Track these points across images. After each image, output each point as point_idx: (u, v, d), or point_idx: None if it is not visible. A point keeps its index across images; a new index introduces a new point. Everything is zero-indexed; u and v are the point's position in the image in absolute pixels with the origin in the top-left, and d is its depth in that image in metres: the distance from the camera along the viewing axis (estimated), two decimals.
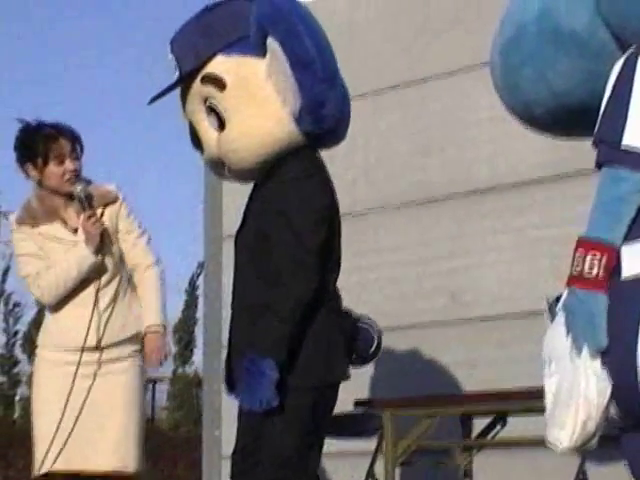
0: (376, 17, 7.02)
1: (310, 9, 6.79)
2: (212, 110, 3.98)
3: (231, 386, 4.13)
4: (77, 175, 5.03)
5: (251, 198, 4.13)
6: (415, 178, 6.78)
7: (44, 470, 4.93)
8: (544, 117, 3.18)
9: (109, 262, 5.06)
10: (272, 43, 3.85)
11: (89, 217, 4.96)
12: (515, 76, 3.14)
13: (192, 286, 16.52)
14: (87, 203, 4.98)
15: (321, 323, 3.93)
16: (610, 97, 2.77)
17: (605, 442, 2.77)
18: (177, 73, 3.99)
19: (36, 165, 5.03)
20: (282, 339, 3.78)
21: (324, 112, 3.91)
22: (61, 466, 4.92)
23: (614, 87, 2.77)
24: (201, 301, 13.45)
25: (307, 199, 3.90)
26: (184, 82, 4.02)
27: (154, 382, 20.78)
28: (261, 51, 3.92)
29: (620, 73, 2.77)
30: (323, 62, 3.90)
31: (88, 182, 5.09)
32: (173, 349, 19.36)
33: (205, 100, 3.99)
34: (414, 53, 6.76)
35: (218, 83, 3.94)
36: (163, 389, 19.64)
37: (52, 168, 5.00)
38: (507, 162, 6.36)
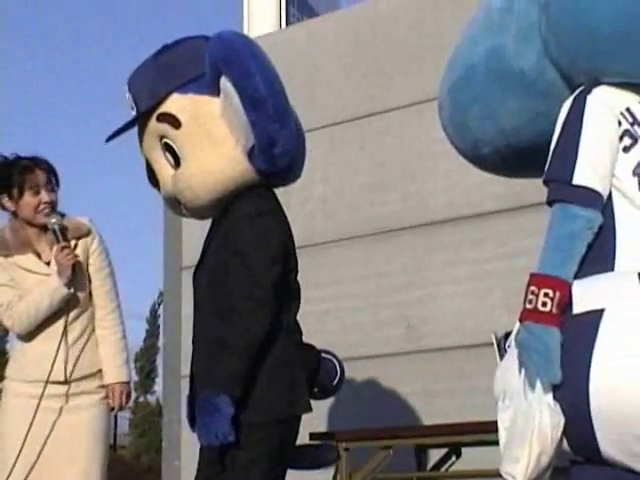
0: (335, 52, 7.06)
1: (271, 41, 6.83)
2: (168, 148, 3.98)
3: (193, 421, 4.12)
4: (52, 207, 5.00)
5: (209, 234, 4.13)
6: (372, 211, 6.81)
7: None
8: (492, 156, 3.22)
9: (80, 295, 5.00)
10: (225, 82, 3.85)
11: (62, 249, 4.93)
12: (464, 115, 3.17)
13: (153, 315, 16.57)
14: (61, 235, 4.95)
15: (282, 357, 3.92)
16: (560, 135, 2.80)
17: (554, 474, 2.79)
18: (134, 112, 3.99)
19: (12, 196, 5.00)
20: (237, 375, 3.77)
21: (276, 151, 3.89)
22: None
23: (564, 125, 2.80)
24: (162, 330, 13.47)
25: (261, 236, 3.89)
26: (140, 120, 4.02)
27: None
28: (216, 90, 3.93)
29: (570, 111, 2.80)
30: (275, 102, 3.89)
31: (62, 215, 5.05)
32: (135, 378, 19.38)
33: (161, 138, 3.99)
34: (372, 87, 6.81)
35: (173, 121, 3.94)
36: (125, 416, 19.59)
37: (27, 199, 4.97)
38: (462, 195, 6.40)
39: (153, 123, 3.98)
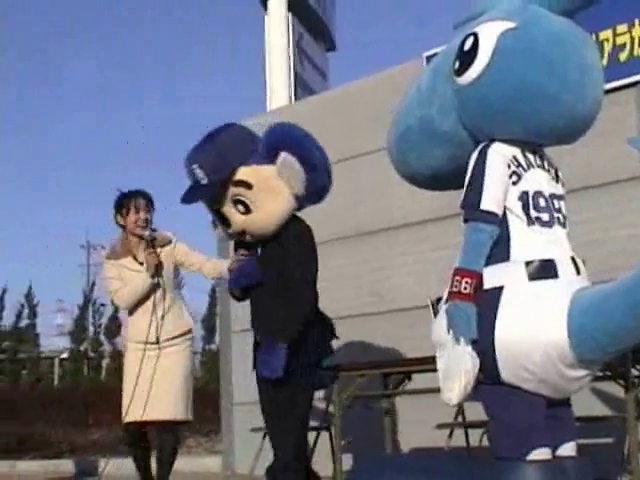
0: (326, 117, 7.05)
1: (286, 111, 6.81)
2: (239, 202, 3.96)
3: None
4: (147, 223, 5.02)
5: (265, 245, 4.10)
6: (354, 220, 6.82)
7: (125, 420, 4.96)
8: (421, 180, 3.26)
9: (163, 284, 5.02)
10: (286, 156, 3.86)
11: (150, 253, 4.96)
12: (404, 157, 3.19)
13: (213, 290, 16.60)
14: (151, 243, 4.98)
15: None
16: (471, 176, 2.79)
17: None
18: (205, 180, 3.88)
19: (122, 214, 5.04)
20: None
21: (323, 194, 4.04)
22: (132, 418, 4.94)
23: (473, 169, 2.80)
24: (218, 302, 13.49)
25: (310, 249, 3.99)
26: (216, 186, 3.93)
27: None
28: (270, 160, 3.93)
29: (477, 159, 2.80)
30: (324, 163, 3.99)
31: (153, 230, 5.06)
32: (202, 332, 19.44)
33: (234, 195, 3.95)
34: (350, 139, 6.80)
35: (246, 185, 3.93)
36: (197, 358, 19.55)
37: (131, 216, 5.00)
38: (411, 208, 6.40)
39: (229, 187, 3.93)
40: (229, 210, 4.00)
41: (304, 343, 3.96)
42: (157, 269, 4.96)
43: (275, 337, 3.87)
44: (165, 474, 4.98)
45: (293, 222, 4.02)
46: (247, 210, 3.95)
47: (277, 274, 4.00)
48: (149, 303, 4.99)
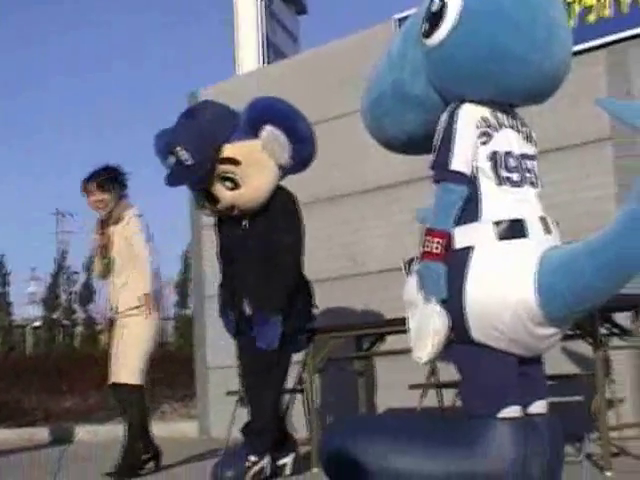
0: (296, 79, 7.03)
1: (257, 74, 6.77)
2: (226, 178, 3.98)
3: (238, 333, 4.32)
4: (105, 203, 5.06)
5: (252, 218, 4.17)
6: (328, 183, 6.84)
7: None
8: (397, 145, 3.28)
9: (117, 261, 5.15)
10: (272, 129, 3.97)
11: (99, 234, 5.08)
12: (379, 122, 3.21)
13: (185, 256, 16.56)
14: (102, 225, 5.08)
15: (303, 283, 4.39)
16: (441, 137, 2.82)
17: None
18: (190, 160, 3.91)
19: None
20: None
21: (310, 163, 4.22)
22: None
23: (443, 130, 2.82)
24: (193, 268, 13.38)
25: (293, 220, 4.17)
26: (204, 166, 3.96)
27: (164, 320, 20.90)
28: (253, 134, 3.97)
29: (447, 121, 2.82)
30: (309, 134, 4.13)
31: (111, 210, 5.12)
32: (175, 297, 19.41)
33: (220, 173, 3.99)
34: (321, 101, 6.78)
35: (234, 162, 3.96)
36: (171, 324, 19.56)
37: (88, 200, 5.09)
38: (384, 171, 6.43)
39: (216, 165, 3.98)
40: (216, 187, 4.01)
41: (291, 311, 4.00)
42: (102, 251, 5.14)
43: (267, 309, 3.91)
44: (131, 436, 5.08)
45: (278, 192, 4.07)
46: (235, 186, 3.97)
47: (265, 246, 4.04)
48: (110, 278, 5.22)
